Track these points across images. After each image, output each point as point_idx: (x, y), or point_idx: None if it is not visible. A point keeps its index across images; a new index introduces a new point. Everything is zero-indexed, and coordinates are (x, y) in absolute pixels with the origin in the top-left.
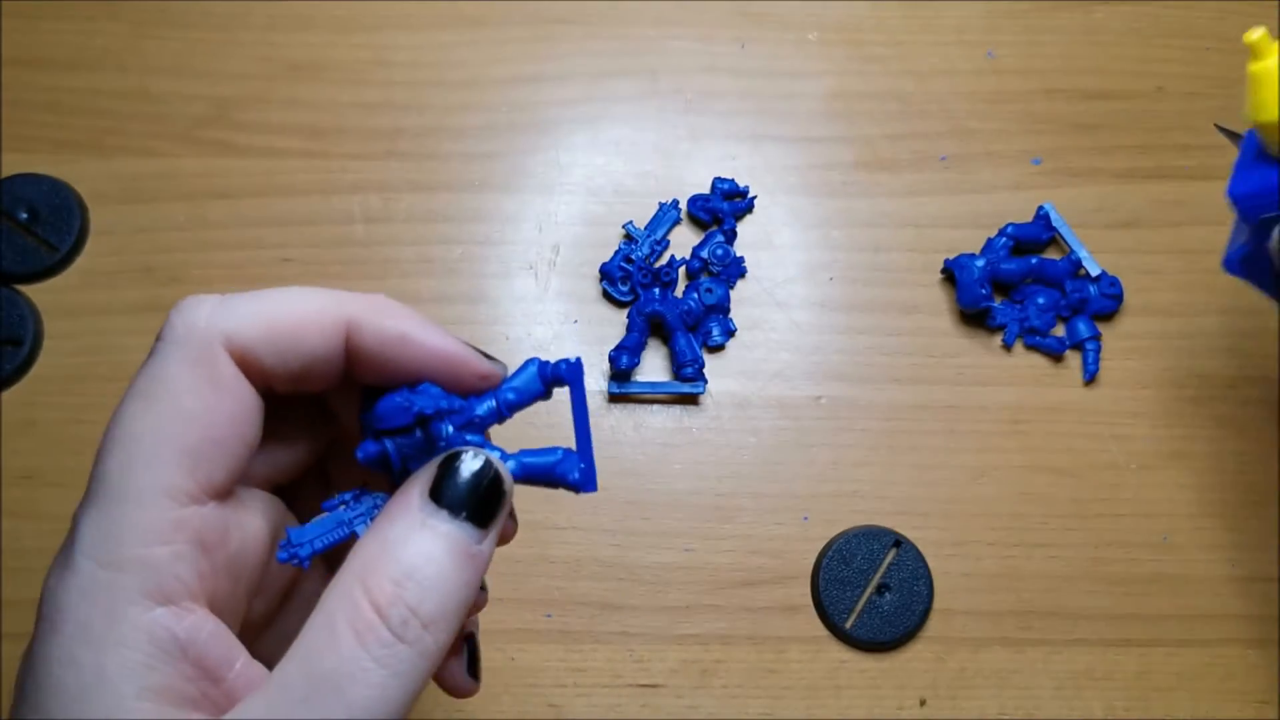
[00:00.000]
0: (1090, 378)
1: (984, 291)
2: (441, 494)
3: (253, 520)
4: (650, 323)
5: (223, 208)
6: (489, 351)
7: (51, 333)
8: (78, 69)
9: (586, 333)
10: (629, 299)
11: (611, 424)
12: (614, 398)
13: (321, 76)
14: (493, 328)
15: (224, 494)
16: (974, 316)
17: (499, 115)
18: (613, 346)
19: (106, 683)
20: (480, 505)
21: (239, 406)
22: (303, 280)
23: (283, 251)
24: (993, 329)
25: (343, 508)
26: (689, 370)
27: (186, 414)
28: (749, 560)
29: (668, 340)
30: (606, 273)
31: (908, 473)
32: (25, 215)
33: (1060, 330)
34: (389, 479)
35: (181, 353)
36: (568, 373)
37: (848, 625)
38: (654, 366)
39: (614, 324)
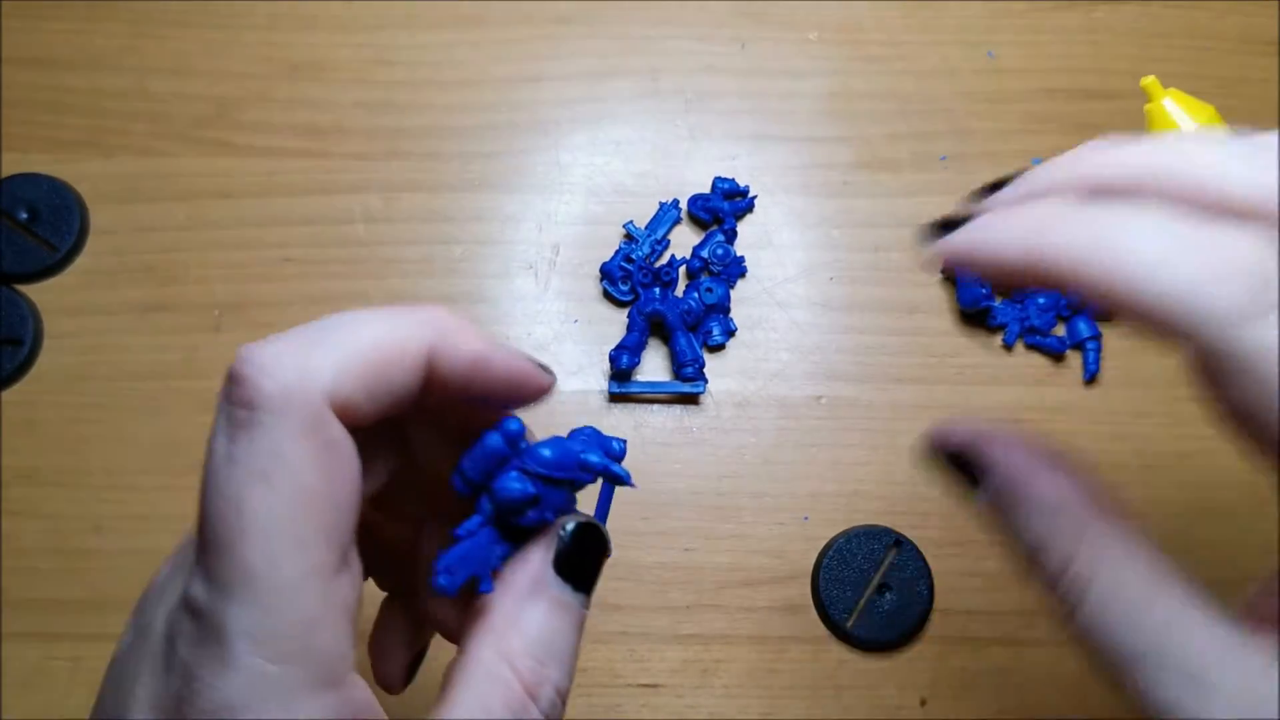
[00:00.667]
0: (1090, 377)
1: (984, 291)
2: (565, 567)
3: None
4: (650, 322)
5: (223, 207)
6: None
7: (51, 333)
8: (78, 69)
9: (587, 332)
10: (629, 298)
11: (611, 424)
12: (614, 397)
13: (322, 76)
14: (493, 327)
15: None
16: (974, 316)
17: (499, 115)
18: (613, 346)
19: None
20: (592, 574)
21: (352, 465)
22: (303, 280)
23: (283, 251)
24: (993, 329)
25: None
26: (689, 370)
27: (314, 492)
28: (749, 560)
29: (668, 340)
30: (607, 272)
31: (908, 472)
32: (25, 215)
33: (1061, 330)
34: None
35: (289, 424)
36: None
37: (848, 625)
38: (654, 366)
39: (614, 323)
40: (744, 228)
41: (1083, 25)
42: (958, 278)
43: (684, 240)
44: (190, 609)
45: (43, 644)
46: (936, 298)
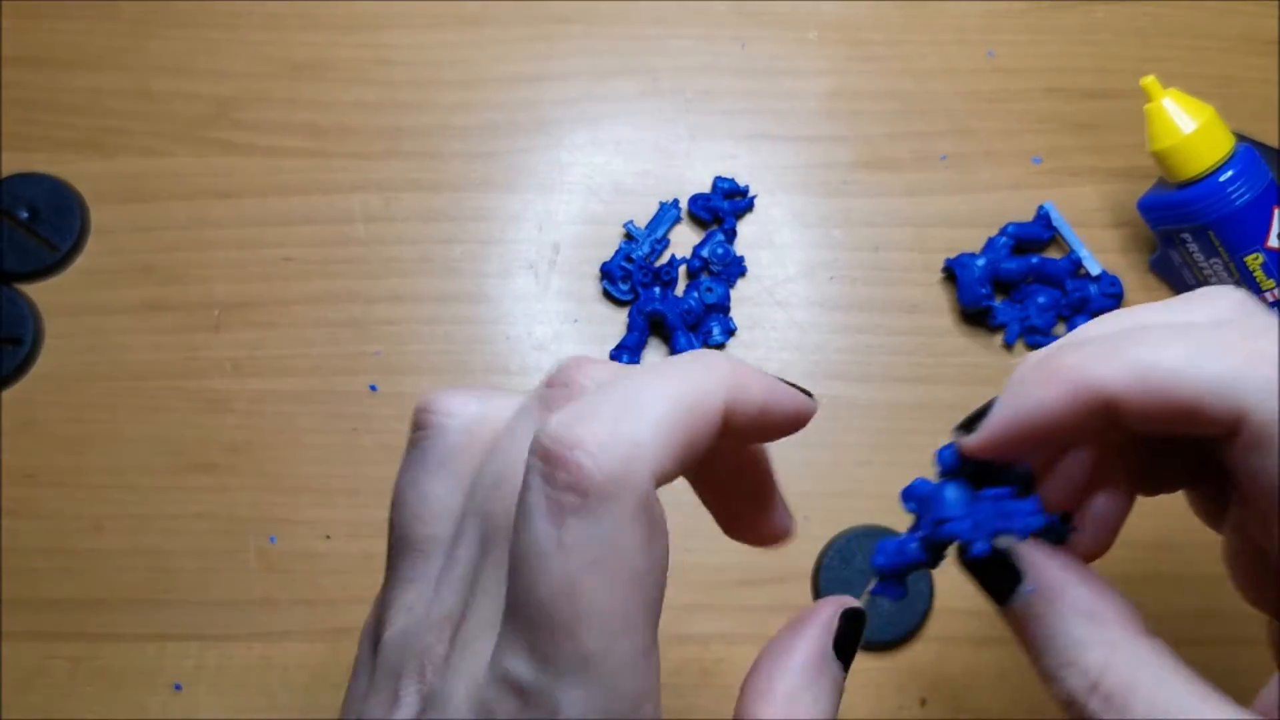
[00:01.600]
0: None
1: (984, 291)
2: (843, 649)
3: None
4: (650, 322)
5: (223, 207)
6: (488, 349)
7: (51, 332)
8: (78, 69)
9: (587, 332)
10: (629, 298)
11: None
12: None
13: (322, 76)
14: (493, 327)
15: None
16: (975, 316)
17: (500, 114)
18: (613, 346)
19: None
20: (853, 653)
21: (666, 538)
22: (303, 279)
23: (283, 251)
24: (993, 328)
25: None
26: None
27: (643, 574)
28: (749, 560)
29: (668, 339)
30: (607, 272)
31: (908, 472)
32: (26, 215)
33: (1061, 329)
34: None
35: (622, 510)
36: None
37: None
38: None
39: (614, 323)
40: (744, 227)
41: (1082, 25)
42: (958, 277)
43: (684, 240)
44: (514, 688)
45: (43, 644)
46: (937, 297)
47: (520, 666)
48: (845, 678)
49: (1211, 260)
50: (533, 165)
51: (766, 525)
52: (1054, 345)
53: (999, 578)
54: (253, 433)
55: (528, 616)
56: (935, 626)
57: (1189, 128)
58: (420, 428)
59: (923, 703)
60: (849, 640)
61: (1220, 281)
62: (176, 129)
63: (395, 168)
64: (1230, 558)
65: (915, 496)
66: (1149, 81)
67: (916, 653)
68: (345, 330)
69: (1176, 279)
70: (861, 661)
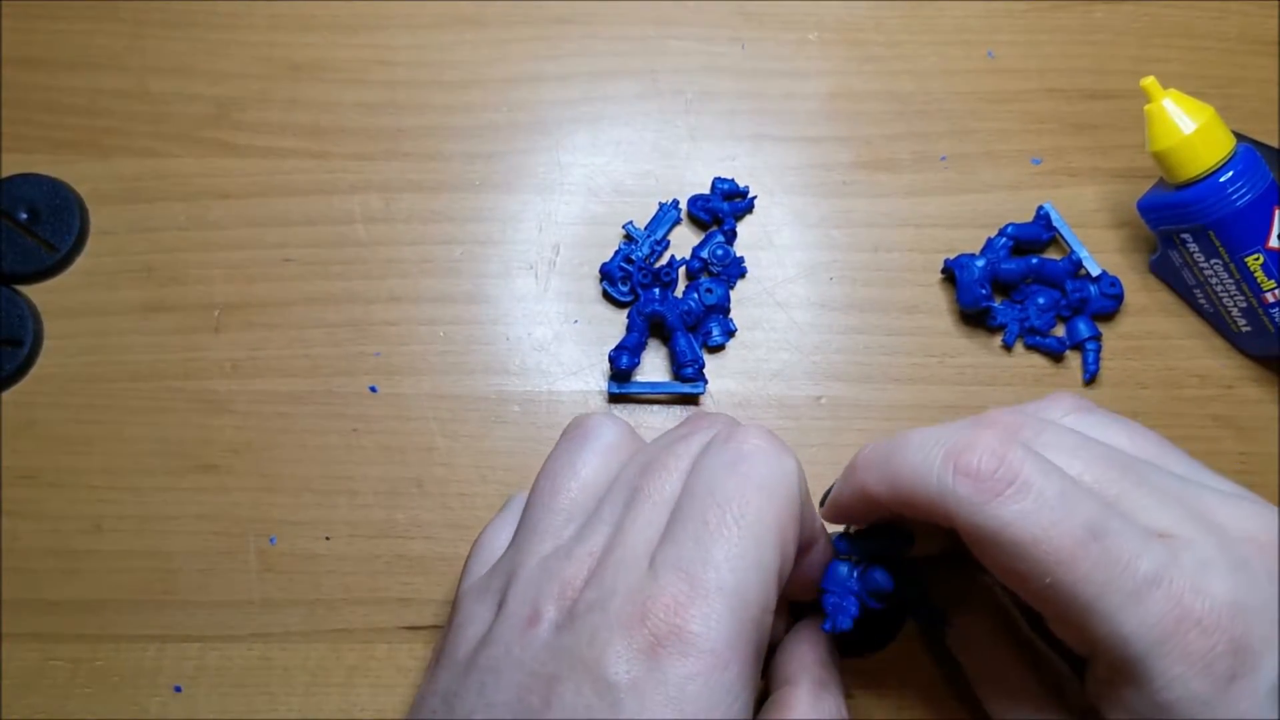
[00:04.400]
0: (1090, 378)
1: (984, 291)
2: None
3: None
4: (650, 323)
5: (223, 208)
6: (488, 350)
7: (51, 333)
8: (78, 69)
9: (586, 333)
10: (629, 299)
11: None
12: (614, 398)
13: (322, 76)
14: (493, 327)
15: None
16: (974, 316)
17: (499, 115)
18: (613, 347)
19: (736, 714)
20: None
21: (798, 526)
22: (304, 280)
23: (283, 251)
24: (993, 329)
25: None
26: (689, 370)
27: (792, 519)
28: None
29: (668, 340)
30: (606, 273)
31: None
32: (25, 215)
33: (1060, 330)
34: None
35: (781, 470)
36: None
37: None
38: (654, 367)
39: (614, 324)
40: (744, 228)
41: (1082, 25)
42: (958, 278)
43: (684, 241)
44: (678, 570)
45: (42, 645)
46: (936, 298)
47: (688, 552)
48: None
49: (1212, 261)
50: (532, 166)
51: None
52: (869, 446)
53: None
54: (253, 433)
55: (700, 514)
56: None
57: (1189, 128)
58: (581, 428)
59: (848, 696)
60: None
61: (1221, 284)
62: (176, 130)
63: (395, 168)
64: None
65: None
66: (1149, 82)
67: (918, 653)
68: (345, 331)
69: (1176, 279)
70: (862, 661)
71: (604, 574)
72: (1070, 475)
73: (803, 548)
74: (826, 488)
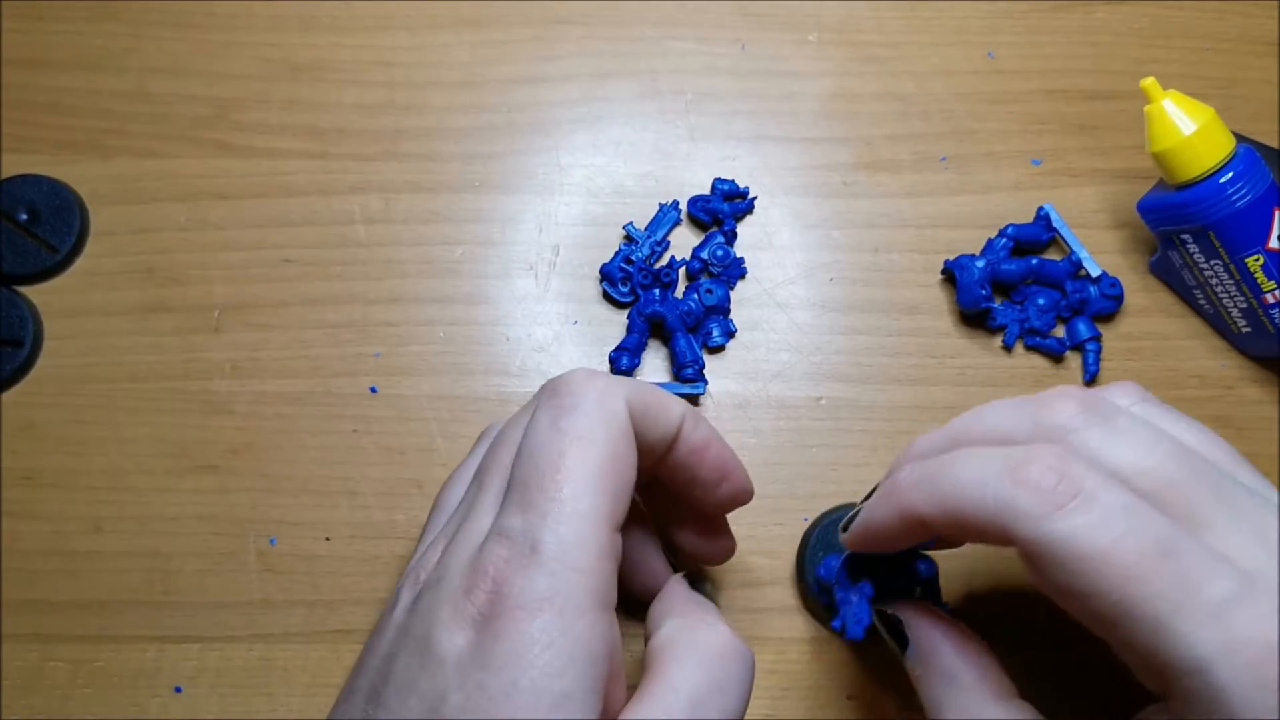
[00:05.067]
0: (1090, 378)
1: (984, 292)
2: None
3: None
4: (650, 323)
5: (223, 208)
6: (488, 351)
7: (51, 334)
8: (78, 69)
9: (586, 333)
10: (629, 300)
11: (566, 371)
12: None
13: (322, 77)
14: (493, 328)
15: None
16: (974, 317)
17: (499, 116)
18: (613, 347)
19: (580, 669)
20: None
21: (634, 457)
22: (304, 280)
23: (283, 252)
24: (993, 330)
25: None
26: (689, 371)
27: (612, 460)
28: (749, 560)
29: (668, 341)
30: (606, 274)
31: None
32: (25, 216)
33: (1060, 331)
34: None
35: (602, 413)
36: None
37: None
38: (654, 367)
39: (614, 325)
40: (744, 229)
41: (1082, 26)
42: (958, 279)
43: (684, 241)
44: (504, 538)
45: (42, 646)
46: (936, 299)
47: (512, 520)
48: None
49: (1212, 261)
50: (532, 167)
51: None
52: (908, 467)
53: (897, 638)
54: (252, 434)
55: (523, 480)
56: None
57: (1189, 129)
58: (488, 426)
59: (848, 696)
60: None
61: (1220, 283)
62: (176, 130)
63: (395, 169)
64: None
65: (832, 570)
66: (1149, 83)
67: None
68: (345, 332)
69: (1177, 280)
70: (863, 661)
71: (448, 554)
72: (1136, 485)
73: (657, 449)
74: (843, 510)
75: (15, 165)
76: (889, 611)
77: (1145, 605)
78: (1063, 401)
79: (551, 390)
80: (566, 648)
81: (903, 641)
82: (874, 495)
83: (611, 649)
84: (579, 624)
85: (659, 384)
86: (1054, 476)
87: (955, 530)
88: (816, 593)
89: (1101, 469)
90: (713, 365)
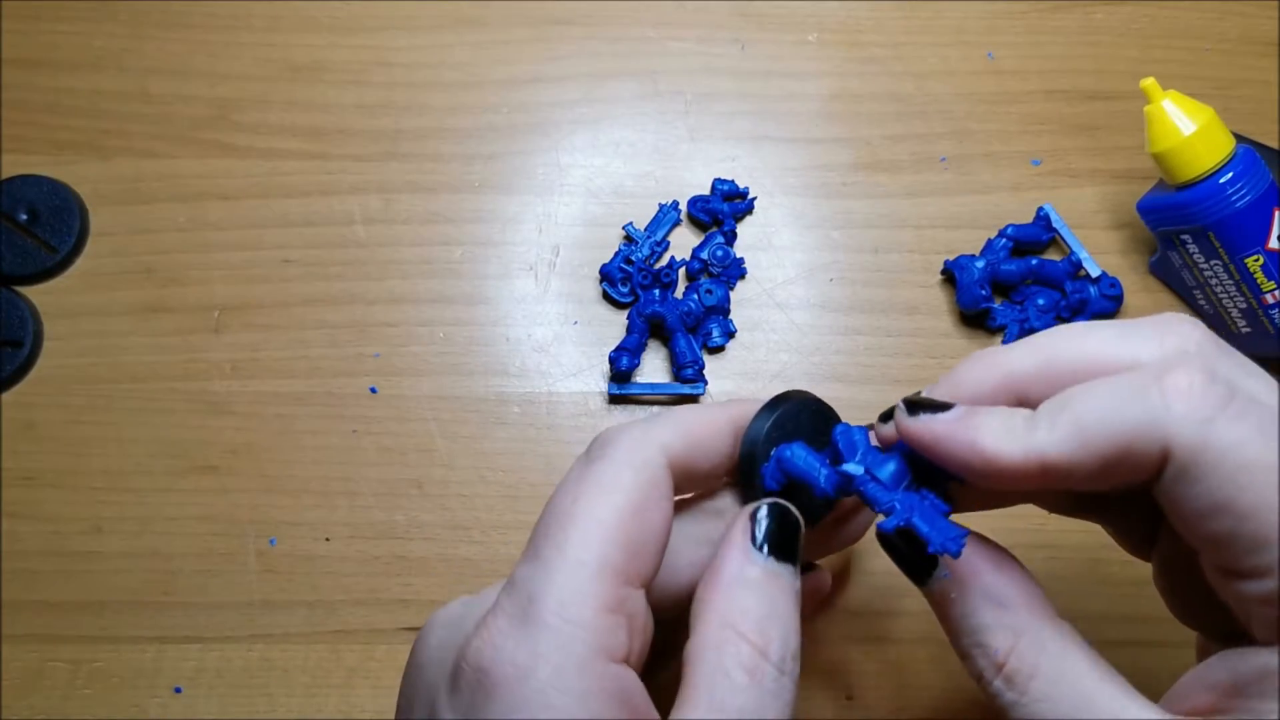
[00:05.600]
0: None
1: (984, 292)
2: (767, 542)
3: (651, 624)
4: (650, 324)
5: (223, 209)
6: (488, 351)
7: (51, 334)
8: (78, 69)
9: (586, 334)
10: (629, 300)
11: (612, 425)
12: (614, 399)
13: (322, 78)
14: (493, 329)
15: (645, 587)
16: (974, 317)
17: (499, 116)
18: (613, 348)
19: None
20: (791, 547)
21: (668, 509)
22: (304, 281)
23: (283, 253)
24: (993, 330)
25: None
26: (689, 371)
27: (632, 510)
28: None
29: (668, 341)
30: (606, 274)
31: None
32: (25, 216)
33: None
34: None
35: (630, 462)
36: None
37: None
38: (654, 368)
39: (614, 325)
40: (743, 229)
41: (1082, 26)
42: (958, 279)
43: (683, 242)
44: (510, 585)
45: (42, 646)
46: (936, 299)
47: (521, 569)
48: (790, 571)
49: (1211, 262)
50: (532, 167)
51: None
52: (995, 372)
53: (917, 561)
54: (252, 434)
55: (539, 530)
56: (861, 626)
57: (1189, 129)
58: None
59: (849, 697)
60: (777, 534)
61: (1221, 285)
62: (176, 131)
63: (394, 169)
64: (1161, 583)
65: (852, 440)
66: (1149, 83)
67: (918, 654)
68: (345, 332)
69: (1176, 281)
70: (864, 661)
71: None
72: None
73: (715, 474)
74: (801, 399)
75: (15, 165)
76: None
77: None
78: (1183, 326)
79: (592, 442)
80: (564, 706)
81: (928, 562)
82: (979, 421)
83: (627, 700)
84: (579, 682)
85: (658, 385)
86: (1205, 382)
87: (1090, 472)
88: (800, 470)
89: (1243, 391)
90: (713, 365)
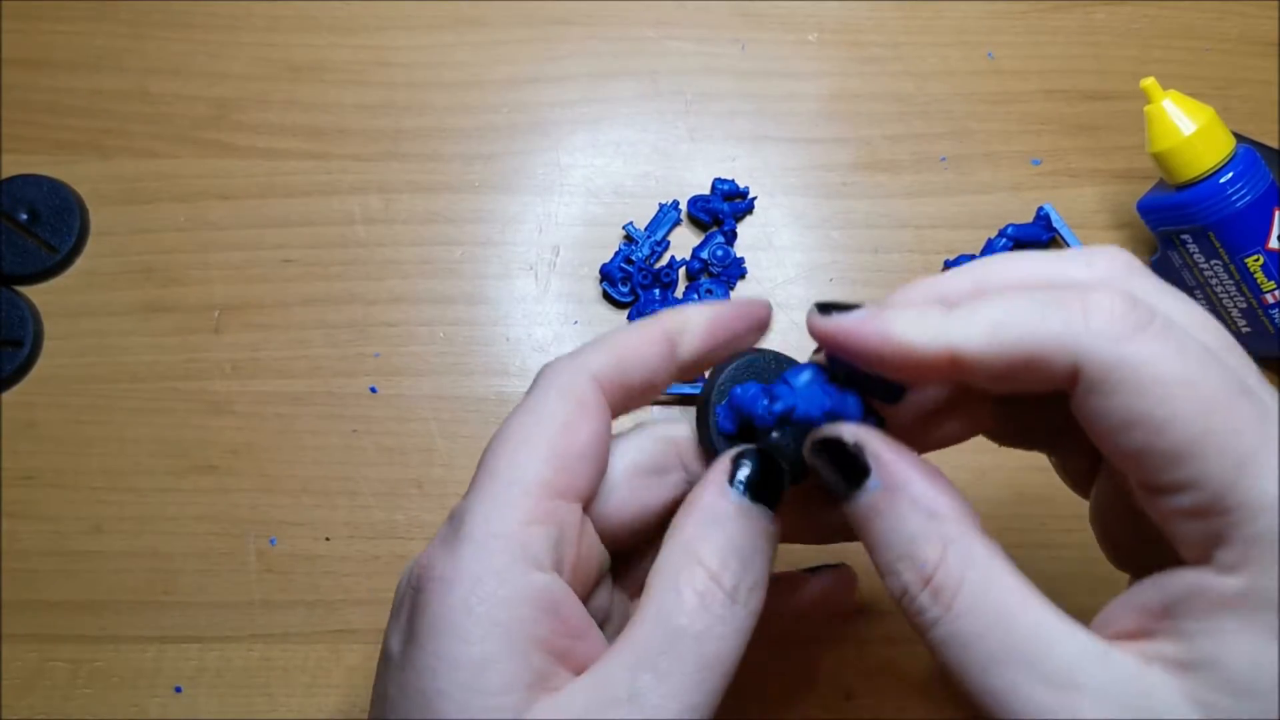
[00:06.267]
0: None
1: None
2: (745, 483)
3: (597, 543)
4: None
5: (223, 208)
6: (488, 351)
7: (51, 334)
8: (78, 69)
9: (587, 334)
10: (629, 300)
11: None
12: None
13: (322, 77)
14: (493, 329)
15: (582, 503)
16: None
17: (499, 116)
18: None
19: (505, 633)
20: (768, 491)
21: (599, 426)
22: (304, 281)
23: (283, 252)
24: None
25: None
26: None
27: (557, 426)
28: None
29: None
30: (607, 274)
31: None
32: (25, 216)
33: None
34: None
35: (552, 383)
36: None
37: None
38: None
39: (614, 325)
40: (743, 229)
41: (1082, 26)
42: None
43: (684, 242)
44: (448, 518)
45: (42, 646)
46: None
47: (460, 503)
48: (764, 514)
49: (1212, 262)
50: (532, 167)
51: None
52: (920, 286)
53: (848, 470)
54: (252, 434)
55: (479, 466)
56: (858, 626)
57: (1189, 129)
58: None
59: (848, 697)
60: (755, 476)
61: (1221, 285)
62: (176, 130)
63: (395, 169)
64: (1097, 525)
65: (798, 372)
66: (1149, 83)
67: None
68: (345, 332)
69: (1176, 280)
70: (864, 662)
71: None
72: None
73: (651, 385)
74: (758, 355)
75: (15, 165)
76: (841, 437)
77: (1230, 437)
78: (1114, 254)
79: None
80: (485, 614)
81: (857, 472)
82: (883, 314)
83: (553, 607)
84: (500, 589)
85: None
86: (1126, 304)
87: (997, 371)
88: (745, 403)
89: (1164, 315)
90: None
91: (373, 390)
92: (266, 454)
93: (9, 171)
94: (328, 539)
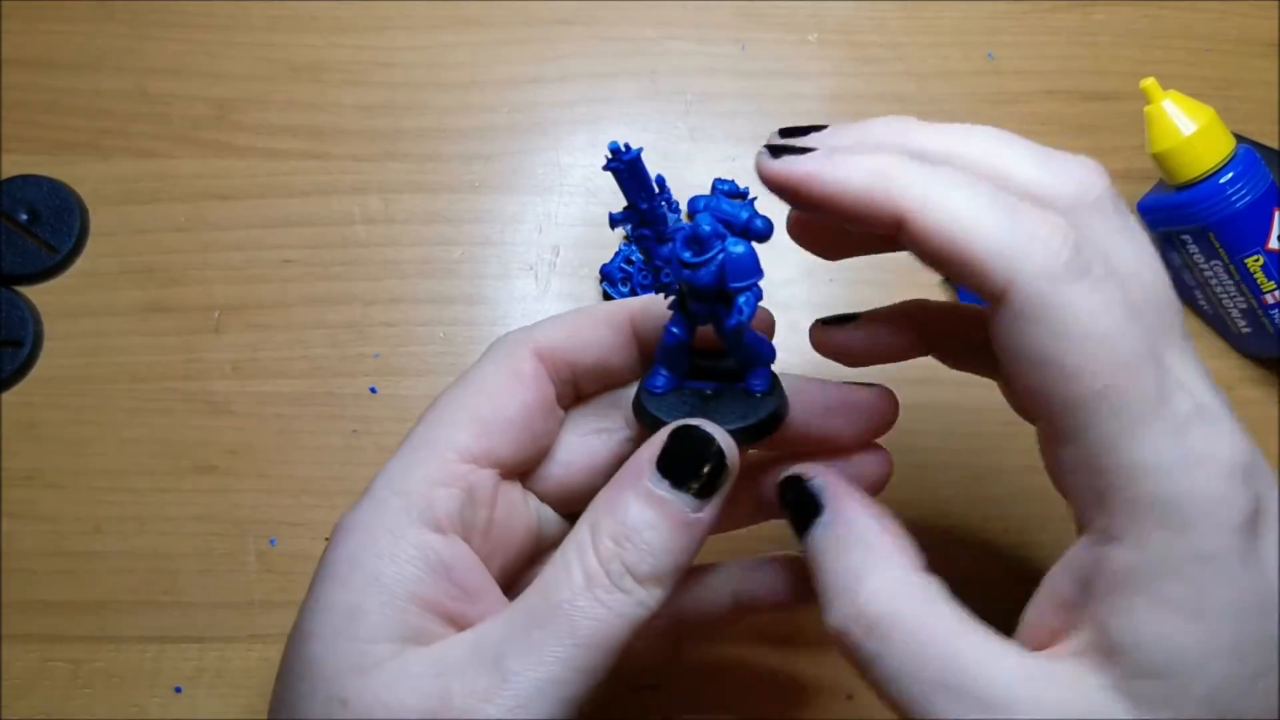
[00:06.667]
0: None
1: None
2: (668, 466)
3: (524, 513)
4: None
5: (223, 209)
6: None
7: (51, 334)
8: (78, 69)
9: None
10: None
11: None
12: None
13: (322, 78)
14: (493, 329)
15: (508, 471)
16: None
17: (499, 116)
18: None
19: (383, 585)
20: (705, 480)
21: (532, 396)
22: (304, 281)
23: (283, 253)
24: None
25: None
26: None
27: (484, 393)
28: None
29: None
30: (606, 274)
31: (907, 473)
32: (25, 216)
33: None
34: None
35: (492, 354)
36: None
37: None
38: None
39: None
40: None
41: (1082, 26)
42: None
43: None
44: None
45: (42, 646)
46: (936, 299)
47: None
48: (686, 503)
49: (1211, 262)
50: (532, 167)
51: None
52: (889, 131)
53: (803, 509)
54: (252, 435)
55: None
56: None
57: (1189, 130)
58: None
59: (849, 698)
60: (673, 456)
61: (1221, 285)
62: (176, 131)
63: (395, 170)
64: (1042, 446)
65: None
66: (1149, 83)
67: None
68: (345, 332)
69: (1176, 281)
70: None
71: None
72: (1128, 288)
73: (603, 369)
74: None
75: (15, 165)
76: (804, 476)
77: (1128, 399)
78: (1087, 174)
79: None
80: (369, 565)
81: (811, 509)
82: (831, 156)
83: (444, 569)
84: (389, 545)
85: None
86: (1069, 247)
87: (930, 249)
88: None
89: (1107, 263)
90: None
91: (372, 390)
92: (266, 454)
93: (9, 171)
94: (327, 539)
